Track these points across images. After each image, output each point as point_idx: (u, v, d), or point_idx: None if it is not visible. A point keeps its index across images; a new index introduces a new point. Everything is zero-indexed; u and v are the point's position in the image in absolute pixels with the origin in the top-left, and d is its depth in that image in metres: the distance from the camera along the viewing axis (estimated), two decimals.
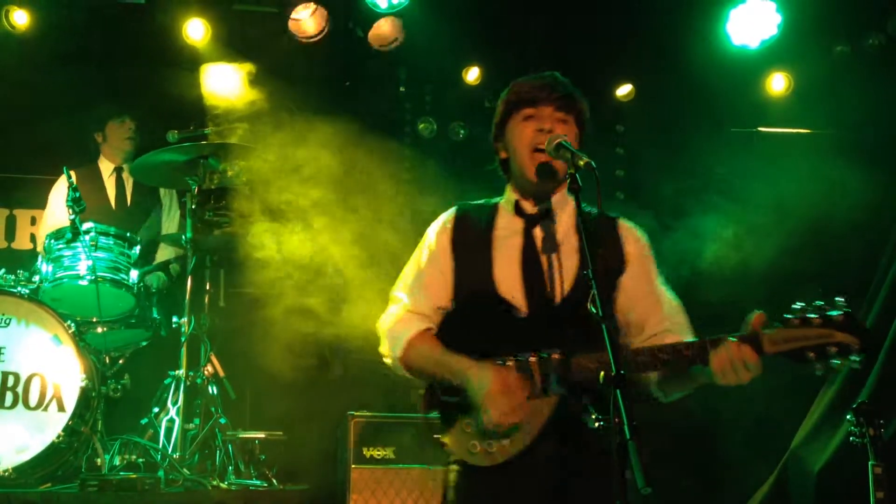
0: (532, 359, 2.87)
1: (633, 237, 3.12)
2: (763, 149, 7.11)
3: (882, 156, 6.43)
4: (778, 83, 7.27)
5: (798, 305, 2.72)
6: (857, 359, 2.66)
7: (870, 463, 4.28)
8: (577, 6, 6.94)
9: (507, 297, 2.98)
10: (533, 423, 2.83)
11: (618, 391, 2.46)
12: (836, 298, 2.70)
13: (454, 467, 3.04)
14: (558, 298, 2.94)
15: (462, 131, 7.59)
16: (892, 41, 6.88)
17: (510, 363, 2.89)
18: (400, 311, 3.15)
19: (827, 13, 6.92)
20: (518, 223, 3.09)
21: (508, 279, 3.00)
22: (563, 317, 2.85)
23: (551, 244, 2.97)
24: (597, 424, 2.66)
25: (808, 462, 6.17)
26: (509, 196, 3.17)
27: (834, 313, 2.67)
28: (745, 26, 6.90)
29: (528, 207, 3.09)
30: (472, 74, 7.32)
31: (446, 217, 3.21)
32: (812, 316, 2.68)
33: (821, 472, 6.06)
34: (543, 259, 3.00)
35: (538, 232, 3.05)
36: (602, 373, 2.60)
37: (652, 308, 3.03)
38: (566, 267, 2.98)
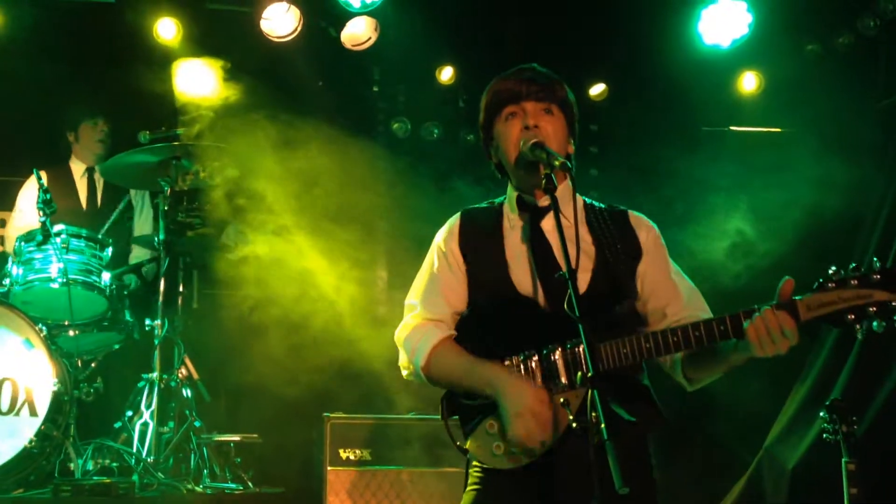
0: (557, 355, 2.83)
1: (644, 226, 3.10)
2: (736, 148, 7.14)
3: (853, 155, 6.48)
4: (749, 82, 7.32)
5: (832, 269, 2.61)
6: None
7: (843, 459, 4.31)
8: (551, 6, 6.94)
9: (526, 294, 2.96)
10: (556, 422, 2.78)
11: (594, 391, 2.47)
12: (874, 259, 2.62)
13: (476, 465, 3.00)
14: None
15: (436, 131, 7.59)
16: (862, 40, 6.93)
17: (535, 359, 2.86)
18: (416, 320, 3.10)
19: (798, 13, 6.97)
20: (525, 220, 3.07)
21: (526, 277, 2.98)
22: (584, 310, 2.69)
23: (561, 238, 2.83)
24: (574, 425, 2.65)
25: (782, 459, 6.22)
26: (511, 194, 3.14)
27: (872, 272, 2.57)
28: (717, 26, 6.93)
29: (532, 201, 3.07)
30: (446, 74, 7.31)
31: (452, 223, 3.18)
32: (848, 276, 2.58)
33: (795, 468, 6.11)
34: (557, 253, 2.94)
35: (546, 226, 3.02)
36: (579, 373, 2.62)
37: (671, 294, 3.01)
38: (584, 259, 2.94)
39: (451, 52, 7.23)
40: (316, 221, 6.00)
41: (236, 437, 5.70)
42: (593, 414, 2.46)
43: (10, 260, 5.44)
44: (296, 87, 6.86)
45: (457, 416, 3.00)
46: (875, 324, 2.56)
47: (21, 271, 5.33)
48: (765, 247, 6.42)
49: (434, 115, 7.52)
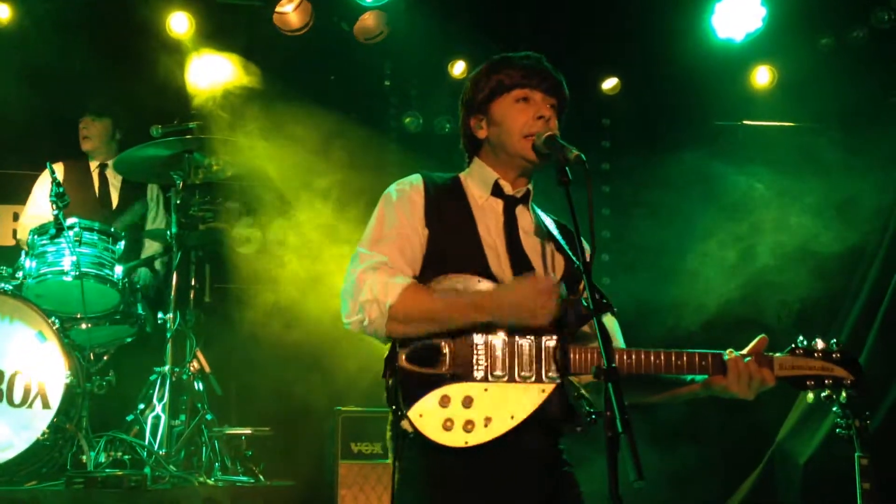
0: (526, 345, 2.79)
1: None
2: (748, 142, 7.11)
3: (866, 148, 6.45)
4: (763, 76, 7.29)
5: (801, 339, 3.00)
6: (847, 393, 3.06)
7: (856, 454, 4.27)
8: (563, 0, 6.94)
9: (497, 274, 2.87)
10: (517, 412, 2.73)
11: (610, 385, 2.46)
12: (833, 340, 3.02)
13: (409, 452, 2.75)
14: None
15: (448, 125, 7.57)
16: (876, 34, 6.90)
17: (503, 340, 2.79)
18: (375, 262, 2.82)
19: (811, 6, 6.95)
20: (497, 203, 3.02)
21: (497, 259, 2.92)
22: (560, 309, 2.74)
23: (535, 229, 2.92)
24: (588, 418, 2.64)
25: (794, 454, 6.20)
26: (484, 174, 3.06)
27: (833, 350, 2.98)
28: (730, 20, 6.92)
29: (508, 188, 3.03)
30: (458, 68, 7.30)
31: (412, 180, 3.01)
32: (814, 348, 2.98)
33: (807, 463, 6.10)
34: (528, 243, 2.98)
35: (519, 215, 3.01)
36: (594, 367, 2.60)
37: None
38: (553, 254, 3.00)
39: (462, 46, 7.21)
40: (327, 215, 6.01)
41: (248, 431, 5.71)
42: (608, 407, 2.45)
43: (23, 253, 5.46)
44: (308, 81, 6.86)
45: (395, 383, 2.74)
46: (823, 393, 3.05)
47: (34, 264, 5.34)
48: (775, 243, 6.41)
49: (446, 109, 7.51)
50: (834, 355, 2.99)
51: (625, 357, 2.84)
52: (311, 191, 6.03)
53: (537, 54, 3.10)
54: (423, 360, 2.74)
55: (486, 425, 2.71)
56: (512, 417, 2.72)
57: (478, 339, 2.77)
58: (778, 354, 2.96)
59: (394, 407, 2.72)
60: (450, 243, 2.91)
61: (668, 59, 6.98)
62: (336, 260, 5.91)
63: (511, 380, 2.75)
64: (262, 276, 5.98)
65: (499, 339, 2.78)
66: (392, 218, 2.93)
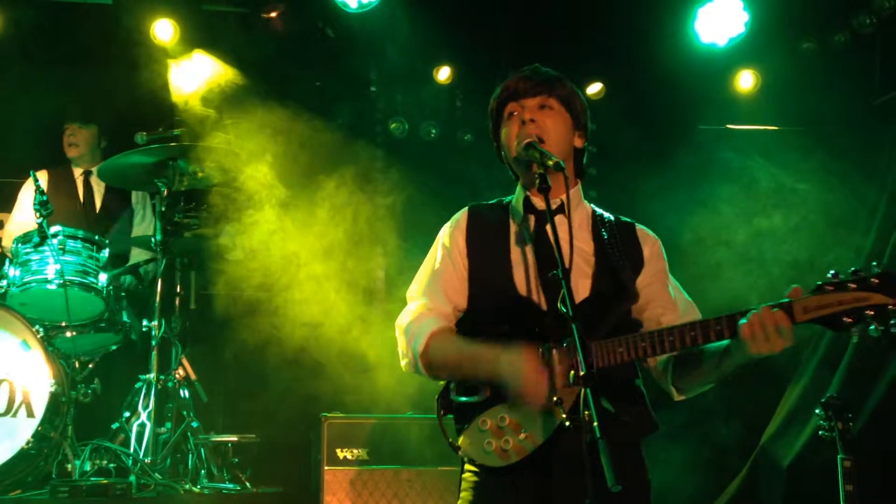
0: (553, 353, 2.79)
1: (649, 240, 3.13)
2: (733, 146, 7.14)
3: (848, 151, 6.49)
4: (746, 81, 7.32)
5: (831, 272, 2.61)
6: (893, 321, 2.55)
7: (839, 456, 4.32)
8: (547, 5, 6.95)
9: (526, 296, 2.95)
10: (549, 420, 2.78)
11: (587, 390, 2.48)
12: (873, 263, 2.60)
13: (469, 468, 2.98)
14: (578, 298, 2.89)
15: (434, 130, 7.58)
16: (858, 38, 6.94)
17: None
18: (418, 309, 3.06)
19: (793, 11, 6.98)
20: (530, 220, 3.06)
21: (527, 278, 2.98)
22: (584, 314, 2.75)
23: (564, 241, 2.84)
24: (567, 424, 2.65)
25: (777, 456, 6.22)
26: (519, 194, 3.13)
27: (871, 275, 2.57)
28: (713, 24, 6.95)
29: (539, 203, 3.02)
30: (444, 73, 7.32)
31: (459, 217, 3.17)
32: (847, 280, 2.59)
33: (790, 466, 6.12)
34: (558, 256, 2.88)
35: (550, 229, 2.89)
36: (571, 371, 2.62)
37: (668, 304, 3.03)
38: (580, 265, 2.99)
39: (448, 51, 7.24)
40: (313, 222, 6.01)
41: (234, 438, 5.71)
42: (586, 412, 2.46)
43: (6, 261, 5.45)
44: (293, 87, 6.86)
45: (451, 416, 2.98)
46: (872, 328, 2.56)
47: (18, 273, 5.33)
48: (759, 246, 6.44)
49: (432, 114, 7.52)
50: (872, 280, 2.55)
51: (638, 341, 2.77)
52: (298, 197, 6.03)
53: (533, 64, 3.15)
54: (469, 391, 2.93)
55: (523, 439, 2.81)
56: (543, 430, 2.79)
57: None
58: (804, 296, 2.62)
59: (450, 440, 2.95)
60: (483, 268, 3.04)
61: (652, 65, 7.01)
62: (324, 266, 5.91)
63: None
64: (248, 283, 5.97)
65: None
66: (437, 259, 3.11)
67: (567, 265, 2.72)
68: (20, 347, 4.94)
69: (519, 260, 3.00)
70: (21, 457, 4.76)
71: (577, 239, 2.98)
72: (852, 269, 2.60)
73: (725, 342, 2.74)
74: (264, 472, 5.77)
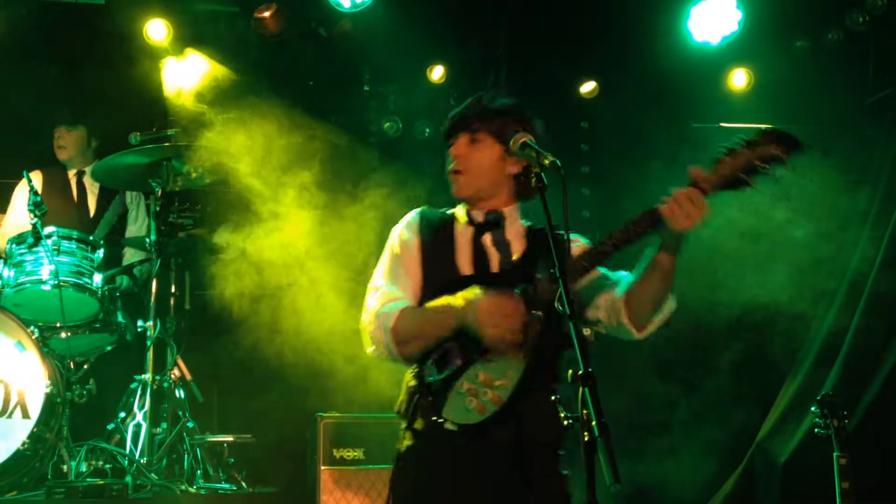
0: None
1: (578, 244, 3.27)
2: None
3: (842, 151, 6.50)
4: (739, 79, 7.33)
5: (724, 146, 2.88)
6: (782, 166, 2.82)
7: (835, 454, 4.33)
8: (541, 4, 6.96)
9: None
10: (517, 364, 2.98)
11: (585, 389, 2.48)
12: (761, 127, 2.85)
13: (408, 444, 3.13)
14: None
15: (427, 130, 7.58)
16: (852, 36, 6.96)
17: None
18: (383, 295, 3.23)
19: (787, 9, 6.99)
20: (469, 231, 3.29)
21: (466, 267, 3.21)
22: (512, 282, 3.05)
23: (499, 247, 3.20)
24: (566, 423, 2.65)
25: (773, 454, 6.24)
26: (461, 207, 3.39)
27: (755, 136, 2.83)
28: (707, 23, 6.96)
29: (478, 217, 3.29)
30: (437, 73, 7.31)
31: (411, 217, 3.37)
32: (737, 146, 2.85)
33: (786, 463, 6.14)
34: (492, 259, 3.22)
35: (487, 238, 3.25)
36: (570, 371, 2.62)
37: (604, 277, 3.21)
38: (509, 266, 3.20)
39: (441, 50, 7.24)
40: (308, 222, 6.01)
41: (229, 438, 5.70)
42: (584, 411, 2.47)
43: (0, 262, 5.43)
44: (286, 87, 6.86)
45: (430, 398, 3.06)
46: (769, 175, 2.83)
47: (12, 273, 5.31)
48: (752, 243, 6.45)
49: (425, 113, 7.52)
50: (757, 139, 2.84)
51: (580, 261, 3.01)
52: (291, 196, 6.02)
53: (476, 96, 3.38)
54: (442, 365, 3.08)
55: (499, 386, 2.99)
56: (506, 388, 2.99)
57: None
58: (705, 171, 2.91)
59: (434, 418, 3.03)
60: (434, 268, 3.24)
61: (646, 63, 7.01)
62: (317, 265, 5.91)
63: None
64: (243, 283, 5.96)
65: None
66: (396, 249, 3.30)
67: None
68: (15, 348, 4.93)
69: (463, 262, 3.23)
70: (17, 458, 4.75)
71: (511, 247, 3.24)
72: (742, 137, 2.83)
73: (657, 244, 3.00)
74: (260, 472, 5.77)
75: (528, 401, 2.98)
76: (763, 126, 2.84)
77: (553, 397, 2.82)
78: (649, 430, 6.53)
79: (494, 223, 3.27)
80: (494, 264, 3.20)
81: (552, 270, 2.72)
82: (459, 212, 3.38)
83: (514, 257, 3.22)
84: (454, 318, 3.02)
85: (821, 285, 6.43)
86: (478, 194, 3.27)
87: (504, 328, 2.93)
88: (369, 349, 3.23)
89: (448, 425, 3.01)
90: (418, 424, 3.09)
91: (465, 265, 3.22)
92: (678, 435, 6.50)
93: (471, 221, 3.30)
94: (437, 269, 3.22)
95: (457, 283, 3.12)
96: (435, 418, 3.03)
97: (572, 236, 3.26)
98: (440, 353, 3.09)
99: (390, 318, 3.12)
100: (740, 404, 6.55)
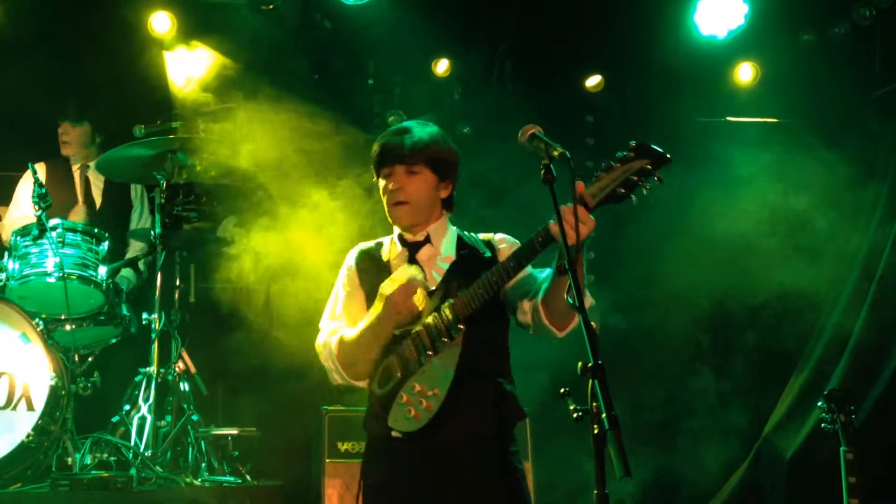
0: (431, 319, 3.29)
1: (505, 241, 3.52)
2: (732, 139, 7.12)
3: (848, 144, 6.49)
4: (745, 73, 7.31)
5: (603, 164, 3.02)
6: (653, 178, 2.95)
7: (841, 449, 4.32)
8: None
9: None
10: (446, 373, 3.23)
11: (595, 381, 2.47)
12: (630, 141, 2.99)
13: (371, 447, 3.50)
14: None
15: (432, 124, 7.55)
16: (858, 29, 6.94)
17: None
18: (330, 330, 3.54)
19: (793, 3, 6.99)
20: (404, 252, 3.52)
21: None
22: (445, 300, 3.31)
23: (431, 261, 3.47)
24: (575, 415, 2.64)
25: (779, 448, 6.24)
26: (395, 232, 3.60)
27: (628, 151, 2.99)
28: (713, 16, 6.95)
29: (409, 237, 3.53)
30: (442, 66, 7.29)
31: (350, 259, 3.64)
32: (612, 162, 3.00)
33: (792, 458, 6.14)
34: (426, 272, 3.43)
35: (420, 255, 3.49)
36: (580, 364, 2.61)
37: (528, 279, 3.37)
38: (450, 278, 3.40)
39: (446, 44, 7.22)
40: (311, 214, 5.99)
41: (234, 431, 5.70)
42: (594, 403, 2.46)
43: (6, 254, 5.42)
44: (291, 80, 6.84)
45: (380, 411, 3.34)
46: (644, 190, 2.97)
47: (17, 266, 5.31)
48: (758, 237, 6.44)
49: (430, 107, 7.50)
50: (629, 155, 2.98)
51: (490, 276, 3.18)
52: (295, 189, 6.01)
53: (408, 125, 3.55)
54: (383, 381, 3.36)
55: (432, 395, 3.24)
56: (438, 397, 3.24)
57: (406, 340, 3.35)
58: (587, 188, 3.02)
59: (380, 430, 3.33)
60: (372, 293, 3.46)
61: (652, 57, 7.00)
62: (321, 258, 5.89)
63: (436, 353, 3.27)
64: (247, 276, 5.95)
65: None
66: (339, 294, 3.61)
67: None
68: (20, 340, 4.93)
69: None
70: (21, 450, 4.75)
71: (444, 259, 3.48)
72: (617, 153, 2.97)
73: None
74: (265, 466, 5.75)
75: (463, 404, 3.22)
76: (633, 141, 2.97)
77: (501, 392, 3.30)
78: (675, 417, 6.54)
79: (424, 241, 3.50)
80: (430, 278, 3.41)
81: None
82: (393, 237, 3.60)
83: (444, 267, 3.44)
84: (376, 318, 3.31)
85: (831, 278, 6.43)
86: (417, 221, 3.49)
87: (403, 302, 3.26)
88: (330, 377, 3.54)
89: (394, 433, 3.30)
90: (373, 432, 3.43)
91: None
92: (702, 421, 6.52)
93: (404, 243, 3.53)
94: (375, 290, 3.43)
95: None
96: (382, 428, 3.33)
97: (508, 240, 3.51)
98: (382, 369, 3.37)
99: (332, 346, 3.44)
100: (747, 399, 6.57)
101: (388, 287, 3.32)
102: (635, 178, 2.96)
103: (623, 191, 2.99)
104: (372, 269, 3.55)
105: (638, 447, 6.00)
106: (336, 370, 3.47)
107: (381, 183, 3.52)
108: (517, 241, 3.48)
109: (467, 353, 3.24)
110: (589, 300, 3.15)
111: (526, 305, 3.34)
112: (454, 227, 3.60)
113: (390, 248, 3.59)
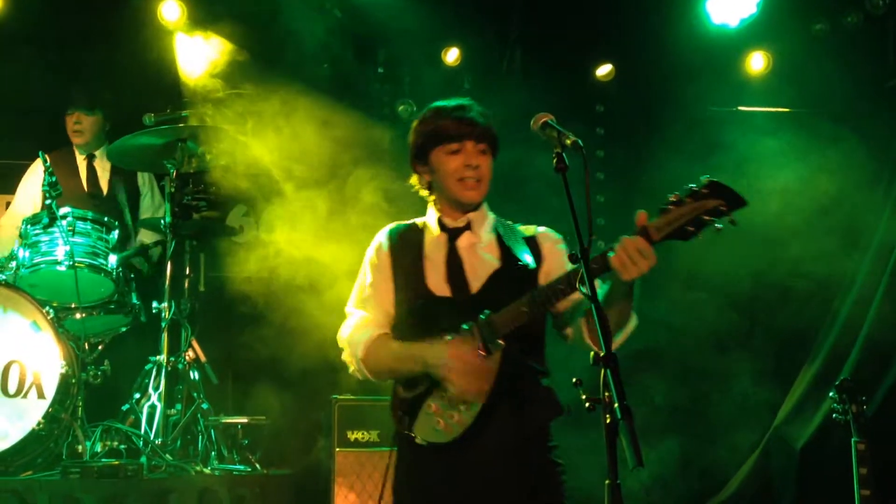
0: (464, 327, 3.15)
1: (549, 239, 3.42)
2: (743, 129, 7.09)
3: (860, 135, 6.46)
4: (757, 62, 7.27)
5: (671, 195, 2.88)
6: (726, 219, 2.82)
7: (853, 439, 4.30)
8: None
9: (441, 297, 3.29)
10: (482, 388, 3.11)
11: (608, 371, 2.46)
12: (702, 176, 2.85)
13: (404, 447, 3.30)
14: (474, 290, 3.28)
15: None
16: (871, 19, 6.89)
17: (451, 336, 3.18)
18: (356, 321, 3.42)
19: None
20: (443, 237, 3.39)
21: (439, 283, 3.31)
22: (482, 303, 3.17)
23: (470, 252, 3.34)
24: (587, 405, 2.63)
25: (790, 439, 6.23)
26: (433, 214, 3.46)
27: (699, 186, 2.84)
28: (725, 5, 6.90)
29: (450, 222, 3.40)
30: (452, 55, 7.27)
31: (381, 237, 3.50)
32: (683, 196, 2.86)
33: (804, 448, 6.13)
34: (465, 262, 3.33)
35: (460, 242, 3.37)
36: (592, 354, 2.60)
37: (578, 307, 3.23)
38: (482, 267, 3.31)
39: (456, 33, 7.19)
40: (321, 203, 5.99)
41: (244, 420, 5.71)
42: (606, 394, 2.45)
43: (16, 242, 5.43)
44: (300, 68, 6.82)
45: (405, 412, 3.26)
46: (711, 226, 2.84)
47: (27, 254, 5.31)
48: (768, 228, 6.41)
49: (440, 96, 7.45)
50: (703, 191, 2.83)
51: (535, 295, 3.09)
52: (305, 179, 6.01)
53: (468, 102, 3.45)
54: (411, 386, 3.26)
55: (464, 410, 3.13)
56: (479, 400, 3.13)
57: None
58: (652, 219, 2.91)
59: (406, 432, 3.24)
60: (404, 281, 3.38)
61: (663, 46, 6.96)
62: (330, 248, 5.89)
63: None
64: (257, 265, 5.95)
65: (449, 335, 3.19)
66: (367, 275, 3.46)
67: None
68: (30, 329, 4.93)
69: (433, 268, 3.34)
70: (32, 438, 4.76)
71: (485, 249, 3.35)
72: (687, 186, 2.85)
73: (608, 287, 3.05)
74: (274, 454, 5.77)
75: (498, 411, 3.12)
76: (705, 177, 2.84)
77: (537, 389, 3.20)
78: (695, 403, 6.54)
79: (465, 228, 3.38)
80: (468, 270, 3.30)
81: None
82: (430, 219, 3.46)
83: (487, 257, 3.33)
84: (421, 367, 3.17)
85: (842, 268, 6.41)
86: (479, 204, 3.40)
87: (467, 385, 3.09)
88: (350, 369, 3.42)
89: (418, 440, 3.20)
90: (398, 429, 3.29)
91: (437, 279, 3.32)
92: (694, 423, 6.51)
93: (443, 228, 3.40)
94: (410, 286, 3.35)
95: (429, 305, 3.29)
96: (407, 432, 3.23)
97: (555, 236, 3.43)
98: None
99: (359, 349, 3.33)
100: (759, 390, 6.55)
101: (448, 368, 3.11)
102: (707, 218, 2.83)
103: (692, 229, 2.86)
104: (405, 253, 3.41)
105: (658, 433, 6.02)
106: (359, 370, 3.37)
107: (441, 158, 3.35)
108: (560, 238, 3.42)
109: (505, 365, 3.12)
110: (634, 321, 3.13)
111: (568, 330, 3.27)
112: (492, 214, 3.48)
113: (426, 231, 3.44)
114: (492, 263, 3.31)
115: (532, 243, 3.39)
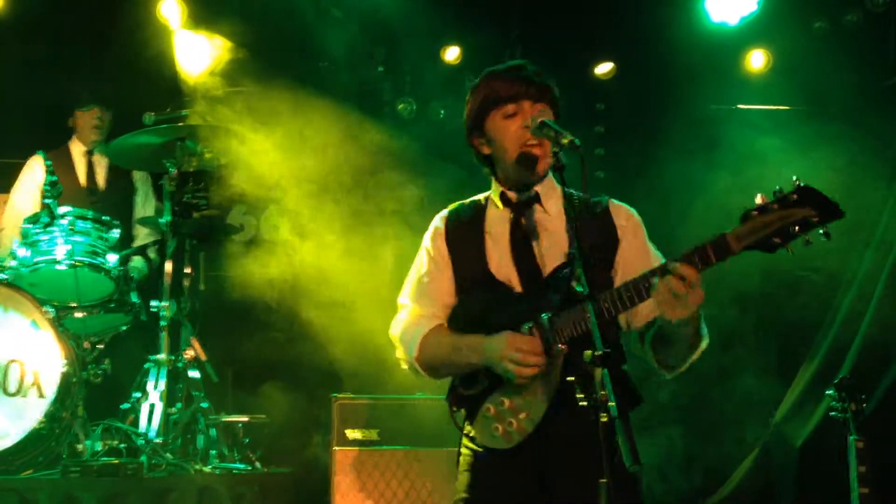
0: (525, 327, 2.94)
1: (623, 213, 3.17)
2: (743, 127, 7.08)
3: (860, 132, 6.45)
4: (757, 60, 7.27)
5: (757, 199, 2.60)
6: (819, 231, 2.54)
7: (851, 437, 4.30)
8: None
9: (503, 280, 3.08)
10: (543, 395, 2.90)
11: (604, 370, 2.46)
12: (793, 178, 2.57)
13: (467, 448, 3.13)
14: (541, 274, 3.04)
15: (442, 111, 7.54)
16: (871, 17, 6.89)
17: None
18: (409, 316, 3.26)
19: None
20: (506, 213, 3.17)
21: (503, 265, 3.10)
22: (552, 289, 2.96)
23: (538, 228, 3.09)
24: (583, 403, 2.63)
25: (789, 437, 6.22)
26: (495, 188, 3.23)
27: (790, 193, 2.54)
28: (725, 3, 6.91)
29: (514, 196, 3.16)
30: (452, 53, 7.27)
31: (438, 221, 3.29)
32: (770, 202, 2.57)
33: (803, 446, 6.12)
34: (532, 241, 3.09)
35: (526, 217, 3.13)
36: (587, 352, 2.59)
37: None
38: (554, 246, 3.06)
39: (456, 31, 7.19)
40: (322, 202, 6.00)
41: (244, 418, 5.72)
42: (602, 392, 2.45)
43: (15, 241, 5.43)
44: (300, 67, 6.83)
45: (462, 409, 3.13)
46: (801, 240, 2.56)
47: (28, 253, 5.32)
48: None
49: (440, 94, 7.48)
50: (792, 197, 2.53)
51: (602, 302, 2.79)
52: (305, 178, 6.01)
53: (521, 62, 3.19)
54: (469, 384, 3.09)
55: (524, 419, 2.94)
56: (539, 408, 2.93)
57: None
58: (735, 226, 2.63)
59: (464, 431, 3.12)
60: (463, 264, 3.18)
61: (663, 44, 6.96)
62: (330, 247, 5.90)
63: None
64: (257, 264, 5.96)
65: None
66: (423, 264, 3.26)
67: (579, 244, 2.70)
68: (30, 328, 4.92)
69: (495, 249, 3.13)
70: (32, 437, 4.75)
71: (553, 225, 3.10)
72: (776, 189, 2.57)
73: None
74: (275, 453, 5.78)
75: (561, 415, 2.87)
76: (797, 179, 2.55)
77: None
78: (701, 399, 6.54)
79: (532, 201, 3.14)
80: (535, 249, 3.07)
81: (571, 251, 2.75)
82: (493, 194, 3.24)
83: (556, 235, 3.07)
84: (478, 356, 2.99)
85: (842, 266, 6.41)
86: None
87: (526, 365, 2.86)
88: (403, 367, 3.29)
89: (477, 442, 3.06)
90: (456, 422, 3.16)
91: (500, 260, 3.10)
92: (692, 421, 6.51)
93: (507, 203, 3.17)
94: (469, 269, 3.16)
95: (489, 290, 3.09)
96: (465, 432, 3.12)
97: (633, 219, 3.16)
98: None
99: (414, 347, 3.17)
100: (758, 388, 6.55)
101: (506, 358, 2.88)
102: (796, 229, 2.54)
103: (778, 241, 2.57)
104: (464, 233, 3.19)
105: (662, 428, 6.02)
106: (413, 367, 3.21)
107: (497, 124, 3.10)
108: (640, 220, 3.17)
109: (568, 371, 2.81)
110: (706, 340, 2.94)
111: (638, 343, 3.06)
112: (560, 184, 3.14)
113: (489, 209, 3.22)
114: (561, 243, 3.04)
115: (604, 216, 3.13)
